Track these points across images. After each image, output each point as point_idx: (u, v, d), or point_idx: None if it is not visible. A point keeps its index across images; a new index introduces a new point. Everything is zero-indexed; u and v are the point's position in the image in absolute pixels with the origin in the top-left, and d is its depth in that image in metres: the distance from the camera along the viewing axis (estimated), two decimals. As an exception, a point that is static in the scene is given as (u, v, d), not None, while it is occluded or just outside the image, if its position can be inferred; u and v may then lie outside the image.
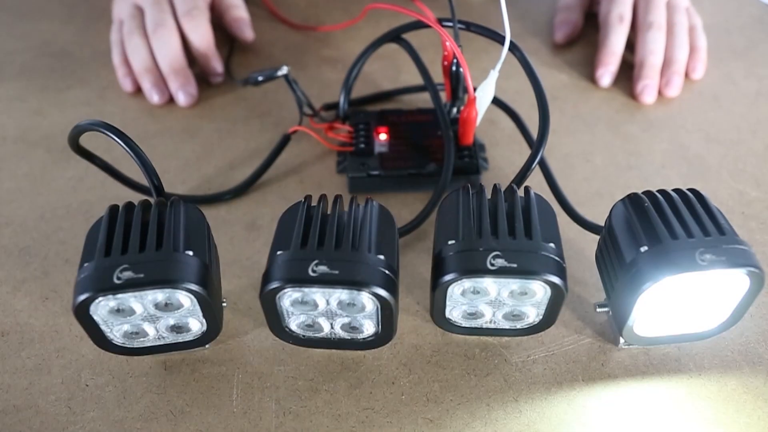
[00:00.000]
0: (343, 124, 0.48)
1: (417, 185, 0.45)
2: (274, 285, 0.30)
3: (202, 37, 0.53)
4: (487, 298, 0.32)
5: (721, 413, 0.33)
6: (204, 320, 0.33)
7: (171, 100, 0.53)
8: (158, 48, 0.52)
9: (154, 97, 0.52)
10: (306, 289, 0.30)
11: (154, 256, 0.30)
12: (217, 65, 0.54)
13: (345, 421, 0.33)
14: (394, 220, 0.34)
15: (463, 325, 0.35)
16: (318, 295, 0.31)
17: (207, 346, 0.36)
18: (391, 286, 0.30)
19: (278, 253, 0.31)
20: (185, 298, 0.31)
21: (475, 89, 0.42)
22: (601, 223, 0.35)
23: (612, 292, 0.33)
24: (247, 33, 0.58)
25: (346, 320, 0.33)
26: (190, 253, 0.30)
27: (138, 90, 0.54)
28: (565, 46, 0.59)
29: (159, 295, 0.30)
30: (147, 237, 0.30)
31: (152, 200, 0.33)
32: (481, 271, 0.30)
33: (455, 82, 0.44)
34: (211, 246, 0.33)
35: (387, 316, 0.31)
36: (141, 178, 0.36)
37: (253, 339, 0.37)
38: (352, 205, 0.33)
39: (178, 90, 0.52)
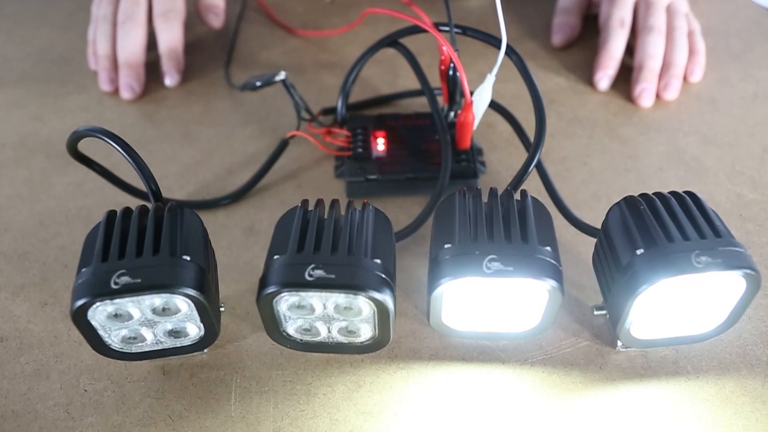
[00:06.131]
0: (341, 129, 0.48)
1: (414, 189, 0.45)
2: (271, 289, 0.30)
3: (172, 39, 0.55)
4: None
5: (719, 416, 0.33)
6: (202, 325, 0.33)
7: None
8: (121, 39, 0.54)
9: (103, 85, 0.54)
10: (303, 294, 0.31)
11: (152, 261, 0.30)
12: (177, 68, 0.55)
13: (343, 425, 0.33)
14: (391, 225, 0.35)
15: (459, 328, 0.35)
16: (315, 299, 0.31)
17: (205, 350, 0.36)
18: (388, 289, 0.30)
19: (275, 257, 0.31)
20: (183, 303, 0.31)
21: (472, 93, 0.42)
22: (599, 225, 0.36)
23: (609, 294, 0.33)
24: (214, 20, 0.59)
25: (343, 324, 0.33)
26: (188, 258, 0.31)
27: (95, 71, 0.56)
28: (563, 50, 0.59)
29: (156, 300, 0.30)
30: (144, 242, 0.30)
31: (150, 205, 0.33)
32: (477, 274, 0.30)
33: (452, 86, 0.44)
34: (208, 251, 0.34)
35: (384, 320, 0.31)
36: (140, 184, 0.36)
37: (251, 343, 0.37)
38: (349, 209, 0.33)
39: (125, 84, 0.54)
